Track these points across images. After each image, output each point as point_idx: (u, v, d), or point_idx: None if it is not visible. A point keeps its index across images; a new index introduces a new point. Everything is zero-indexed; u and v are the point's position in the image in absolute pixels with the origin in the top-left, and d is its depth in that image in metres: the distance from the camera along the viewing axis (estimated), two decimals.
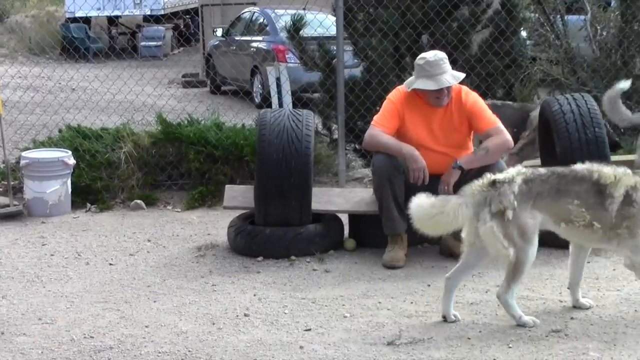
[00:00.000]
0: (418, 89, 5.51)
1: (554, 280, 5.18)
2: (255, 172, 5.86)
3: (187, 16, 25.39)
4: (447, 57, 5.56)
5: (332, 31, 7.93)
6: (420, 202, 4.48)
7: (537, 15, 9.52)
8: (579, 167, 4.47)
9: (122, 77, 8.75)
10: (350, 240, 5.93)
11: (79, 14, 19.75)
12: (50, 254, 5.95)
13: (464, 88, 5.67)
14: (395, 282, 5.22)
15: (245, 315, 4.69)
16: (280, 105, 8.49)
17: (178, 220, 6.84)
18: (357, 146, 8.30)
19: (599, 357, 4.06)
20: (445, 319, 4.54)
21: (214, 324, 4.58)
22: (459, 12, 8.03)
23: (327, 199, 6.10)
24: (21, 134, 8.41)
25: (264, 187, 5.68)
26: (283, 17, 11.85)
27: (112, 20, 24.52)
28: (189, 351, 4.21)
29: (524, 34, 9.00)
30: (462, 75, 5.63)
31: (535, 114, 6.96)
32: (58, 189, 6.97)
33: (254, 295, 5.02)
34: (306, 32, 8.69)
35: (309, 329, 4.48)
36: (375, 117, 5.65)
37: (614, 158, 6.32)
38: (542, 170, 4.51)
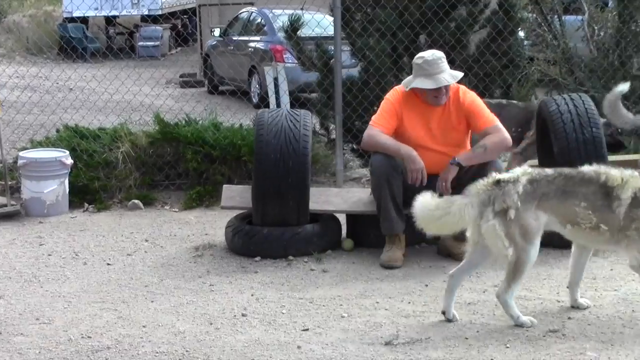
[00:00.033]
0: (416, 88, 5.51)
1: (551, 280, 5.18)
2: (253, 172, 5.86)
3: (185, 16, 25.40)
4: (445, 56, 5.57)
5: (330, 31, 7.94)
6: (425, 204, 4.47)
7: (534, 15, 9.53)
8: (586, 168, 4.45)
9: (119, 77, 8.74)
10: (347, 240, 5.93)
11: (76, 14, 19.75)
12: (48, 253, 5.95)
13: (462, 87, 5.68)
14: (393, 282, 5.22)
15: (243, 315, 4.69)
16: (278, 105, 8.49)
17: (175, 220, 6.83)
18: (354, 146, 8.30)
19: (597, 357, 4.06)
20: (444, 314, 4.54)
21: (211, 324, 4.58)
22: (456, 12, 8.04)
23: (325, 199, 6.10)
24: (19, 133, 8.41)
25: (262, 187, 5.68)
26: (281, 17, 11.85)
27: (109, 20, 24.50)
28: (187, 351, 4.21)
29: (521, 34, 9.01)
30: (460, 75, 5.64)
31: None
32: (55, 188, 6.97)
33: (252, 295, 5.02)
34: (304, 32, 8.69)
35: (307, 329, 4.48)
36: (373, 117, 5.65)
37: (612, 158, 6.33)
38: (549, 171, 4.49)
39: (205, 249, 5.97)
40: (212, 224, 6.64)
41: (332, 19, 7.82)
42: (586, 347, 4.17)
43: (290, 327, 4.51)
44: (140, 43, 21.72)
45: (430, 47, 7.41)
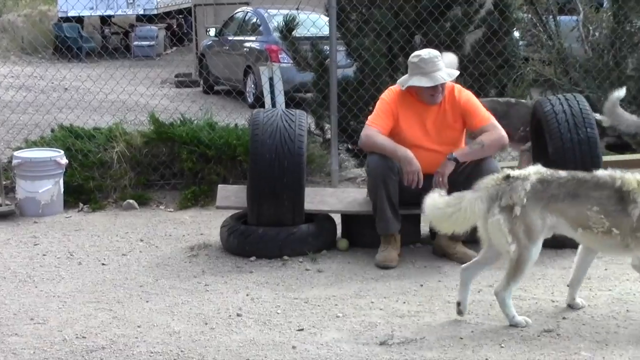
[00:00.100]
0: (413, 87, 5.51)
1: (546, 280, 5.19)
2: (248, 172, 5.86)
3: (180, 16, 25.34)
4: (440, 55, 5.58)
5: (325, 31, 7.94)
6: (434, 203, 4.47)
7: (529, 15, 9.54)
8: (600, 173, 4.43)
9: (114, 77, 8.73)
10: (343, 240, 5.94)
11: (71, 14, 19.71)
12: (43, 253, 5.94)
13: (457, 86, 5.69)
14: (388, 282, 5.22)
15: (238, 315, 4.69)
16: (273, 105, 8.49)
17: (171, 220, 6.83)
18: (350, 146, 8.30)
19: (591, 357, 4.07)
20: (458, 305, 4.54)
21: (206, 323, 4.57)
22: (451, 12, 8.05)
23: (320, 199, 6.10)
24: (13, 133, 8.39)
25: (257, 187, 5.68)
26: (276, 17, 11.86)
27: (105, 20, 24.49)
28: (182, 351, 4.21)
29: (516, 34, 9.02)
30: (457, 73, 5.65)
31: None
32: (50, 188, 6.96)
33: (247, 295, 5.02)
34: (299, 32, 8.69)
35: (302, 329, 4.48)
36: (369, 117, 5.65)
37: (607, 158, 6.34)
38: (563, 173, 4.46)
39: (201, 248, 5.97)
40: (207, 224, 6.64)
41: (327, 19, 7.82)
42: (580, 346, 4.18)
43: (285, 327, 4.51)
44: (136, 43, 21.71)
45: (425, 47, 7.40)
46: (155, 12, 22.65)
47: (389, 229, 5.56)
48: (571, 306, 4.67)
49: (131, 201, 7.19)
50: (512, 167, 4.56)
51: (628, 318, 4.54)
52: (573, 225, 4.39)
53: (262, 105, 8.49)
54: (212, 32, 15.94)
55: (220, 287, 5.18)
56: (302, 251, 5.69)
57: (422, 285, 5.16)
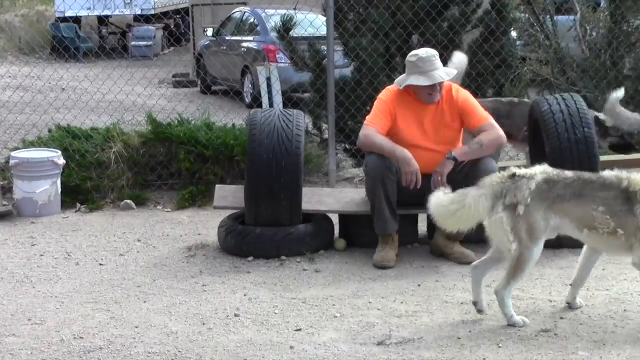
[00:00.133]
0: (410, 86, 5.51)
1: (543, 280, 5.19)
2: (246, 172, 5.85)
3: (178, 16, 25.38)
4: (438, 54, 5.58)
5: (323, 31, 7.94)
6: (439, 200, 4.47)
7: (526, 15, 9.54)
8: (607, 173, 4.42)
9: (112, 77, 8.72)
10: (340, 240, 5.93)
11: (68, 14, 19.71)
12: (40, 254, 5.93)
13: (454, 85, 5.69)
14: (386, 282, 5.23)
15: (236, 315, 4.69)
16: (271, 105, 8.49)
17: (168, 220, 6.83)
18: (347, 146, 8.30)
19: (588, 357, 4.08)
20: (475, 304, 4.55)
21: (204, 324, 4.57)
22: (449, 12, 8.05)
23: (318, 199, 6.10)
24: (10, 133, 8.38)
25: (255, 187, 5.68)
26: (273, 17, 11.85)
27: (102, 20, 24.47)
28: (179, 351, 4.20)
29: (513, 34, 9.02)
30: (454, 72, 5.65)
31: None
32: (47, 188, 6.95)
33: (244, 295, 5.02)
34: (296, 32, 8.69)
35: (299, 329, 4.48)
36: (367, 117, 5.65)
37: (604, 158, 6.35)
38: (569, 173, 4.46)
39: (198, 249, 5.97)
40: (204, 224, 6.63)
41: (324, 18, 7.82)
42: (578, 346, 4.19)
43: (283, 327, 4.51)
44: (133, 43, 21.70)
45: (422, 47, 7.40)
46: (152, 12, 22.63)
47: (387, 229, 5.57)
48: (570, 305, 4.67)
49: (129, 201, 7.18)
50: (518, 166, 4.55)
51: (625, 317, 4.55)
52: (579, 226, 4.39)
53: (260, 105, 8.48)
54: (210, 32, 15.94)
55: (218, 287, 5.18)
56: (299, 251, 5.69)
57: (419, 285, 5.16)
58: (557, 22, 9.39)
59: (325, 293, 5.04)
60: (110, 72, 9.07)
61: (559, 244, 5.29)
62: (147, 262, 5.72)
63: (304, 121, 6.06)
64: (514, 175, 4.42)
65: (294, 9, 9.87)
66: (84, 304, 4.91)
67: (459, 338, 4.31)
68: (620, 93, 6.44)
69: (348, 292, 5.04)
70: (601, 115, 6.67)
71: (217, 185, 6.39)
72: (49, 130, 7.97)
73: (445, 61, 6.00)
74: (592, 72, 8.63)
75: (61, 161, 7.07)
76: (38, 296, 5.06)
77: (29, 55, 17.67)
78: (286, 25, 8.47)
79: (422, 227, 6.08)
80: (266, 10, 13.32)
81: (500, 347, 4.19)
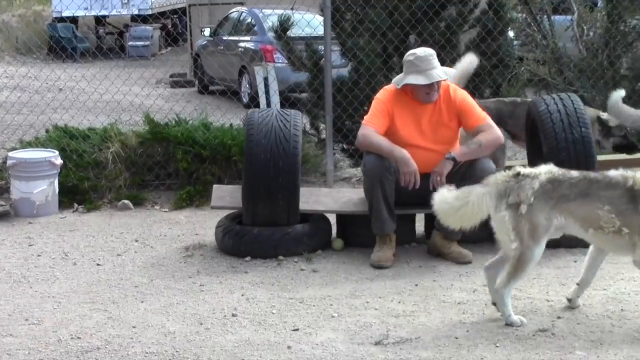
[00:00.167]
0: (408, 85, 5.51)
1: (540, 279, 5.20)
2: (243, 172, 5.85)
3: (175, 16, 25.38)
4: (435, 54, 5.58)
5: (320, 31, 7.94)
6: (443, 197, 4.48)
7: (524, 15, 9.55)
8: (612, 173, 4.43)
9: (109, 77, 8.72)
10: (338, 240, 5.94)
11: (66, 14, 19.72)
12: (37, 254, 5.93)
13: (451, 85, 5.70)
14: (383, 282, 5.23)
15: (233, 315, 4.69)
16: (268, 105, 8.49)
17: (166, 220, 6.82)
18: (345, 146, 8.30)
19: (586, 356, 4.08)
20: (495, 305, 4.54)
21: (201, 324, 4.57)
22: (446, 12, 8.05)
23: (315, 199, 6.10)
24: (8, 134, 8.38)
25: (252, 187, 5.68)
26: (271, 17, 11.85)
27: (99, 20, 24.42)
28: (177, 351, 4.20)
29: (511, 34, 9.03)
30: (452, 71, 5.66)
31: None
32: (45, 189, 6.95)
33: (242, 295, 5.02)
34: (294, 32, 8.68)
35: (297, 329, 4.48)
36: (366, 117, 5.65)
37: (600, 158, 6.35)
38: (575, 173, 4.46)
39: (196, 249, 5.96)
40: (202, 224, 6.63)
41: (322, 18, 7.82)
42: (575, 346, 4.19)
43: (281, 327, 4.51)
44: (130, 43, 21.70)
45: (420, 47, 7.42)
46: (149, 12, 22.64)
47: (384, 229, 5.57)
48: (570, 302, 4.66)
49: (126, 201, 7.18)
50: (524, 166, 4.55)
51: (622, 317, 4.55)
52: (584, 225, 4.39)
53: (257, 105, 8.48)
54: (207, 32, 15.94)
55: (216, 287, 5.18)
56: (297, 251, 5.69)
57: (417, 285, 5.16)
58: (554, 22, 9.40)
59: (322, 293, 5.04)
60: (108, 72, 9.07)
61: (557, 244, 5.29)
62: (144, 262, 5.72)
63: (301, 121, 6.06)
64: (518, 174, 4.42)
65: (292, 9, 9.86)
66: (82, 304, 4.90)
67: (456, 338, 4.32)
68: (621, 92, 6.44)
69: (345, 292, 5.04)
70: (604, 115, 6.66)
71: (214, 186, 6.38)
72: (47, 131, 7.97)
73: (443, 61, 6.00)
74: (590, 72, 8.64)
75: (59, 161, 7.06)
76: (35, 296, 5.05)
77: (26, 56, 17.67)
78: (283, 25, 8.47)
79: (419, 227, 6.08)
80: (263, 10, 13.31)
81: (497, 346, 4.20)
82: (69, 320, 4.63)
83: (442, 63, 5.81)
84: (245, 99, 12.81)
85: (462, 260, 5.55)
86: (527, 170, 4.45)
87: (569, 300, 4.68)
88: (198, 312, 4.74)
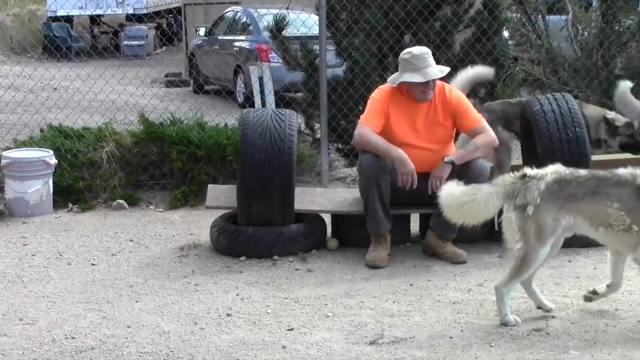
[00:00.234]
0: (404, 84, 5.52)
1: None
2: (238, 172, 5.85)
3: (170, 15, 25.34)
4: (431, 52, 5.59)
5: (315, 31, 7.94)
6: (451, 190, 4.49)
7: (518, 15, 9.56)
8: (621, 171, 4.43)
9: (104, 77, 8.71)
10: (332, 240, 5.94)
11: (60, 13, 19.68)
12: (32, 254, 5.92)
13: (447, 85, 5.71)
14: (378, 282, 5.23)
15: (228, 315, 4.69)
16: (263, 104, 8.48)
17: (160, 220, 6.82)
18: (340, 146, 8.30)
19: (580, 356, 4.09)
20: (541, 309, 4.56)
21: (196, 323, 4.57)
22: (441, 11, 8.06)
23: (310, 198, 6.10)
24: (2, 133, 8.36)
25: (247, 187, 5.68)
26: (266, 17, 11.85)
27: (94, 19, 24.44)
28: (171, 351, 4.20)
29: (506, 34, 9.04)
30: (448, 69, 5.65)
31: None
32: (39, 188, 6.94)
33: (237, 295, 5.02)
34: (289, 31, 8.69)
35: (292, 329, 4.48)
36: (362, 116, 5.65)
37: (595, 158, 6.36)
38: (582, 172, 4.47)
39: (190, 248, 5.96)
40: (197, 224, 6.63)
41: (317, 18, 7.82)
42: (569, 345, 4.20)
43: (275, 327, 4.51)
44: (125, 42, 21.68)
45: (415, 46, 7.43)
46: (144, 11, 22.60)
47: (380, 229, 5.57)
48: (595, 295, 4.63)
49: (121, 201, 7.17)
50: (531, 167, 4.55)
51: (617, 317, 4.56)
52: (594, 224, 4.39)
53: (252, 105, 8.48)
54: (202, 31, 15.93)
55: (210, 287, 5.18)
56: (292, 251, 5.69)
57: (412, 285, 5.17)
58: (549, 22, 9.41)
59: (317, 293, 5.04)
60: (103, 71, 9.05)
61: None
62: (139, 262, 5.72)
63: (296, 121, 6.06)
64: (524, 175, 4.43)
65: (287, 8, 9.86)
66: (76, 304, 4.90)
67: (451, 337, 4.32)
68: (629, 83, 6.43)
69: (340, 292, 5.05)
70: (610, 114, 6.65)
71: (209, 185, 6.38)
72: (41, 130, 7.95)
73: (438, 61, 6.01)
74: (584, 72, 8.65)
75: (53, 161, 7.05)
76: (30, 296, 5.04)
77: (20, 55, 17.64)
78: (279, 25, 8.47)
79: (414, 226, 6.09)
80: (258, 10, 13.32)
81: (492, 346, 4.20)
82: (63, 320, 4.63)
83: (438, 63, 5.82)
84: (240, 99, 12.80)
85: (456, 260, 5.55)
86: (534, 171, 4.46)
87: (595, 293, 4.65)
88: (193, 312, 4.74)
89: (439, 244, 5.64)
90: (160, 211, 7.11)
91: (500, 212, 4.51)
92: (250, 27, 14.21)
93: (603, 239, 4.51)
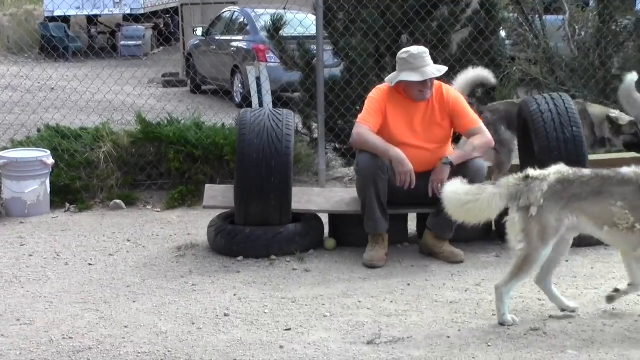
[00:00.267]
0: (402, 83, 5.52)
1: (532, 279, 5.19)
2: (236, 172, 5.85)
3: (167, 15, 25.34)
4: (429, 52, 5.60)
5: (312, 31, 7.94)
6: (455, 188, 4.49)
7: (515, 15, 9.56)
8: (625, 170, 4.43)
9: (101, 77, 8.70)
10: (330, 240, 5.94)
11: (57, 13, 19.67)
12: (29, 254, 5.91)
13: (444, 85, 5.71)
14: (376, 281, 5.23)
15: (225, 315, 4.69)
16: (261, 104, 8.48)
17: (158, 220, 6.82)
18: (337, 145, 8.31)
19: (577, 355, 4.09)
20: (564, 311, 4.56)
21: (193, 323, 4.57)
22: (438, 11, 8.06)
23: (307, 198, 6.10)
24: None
25: (244, 187, 5.68)
26: (263, 17, 11.85)
27: (91, 20, 24.36)
28: (169, 351, 4.20)
29: (503, 33, 9.04)
30: (445, 69, 5.66)
31: None
32: (37, 189, 6.93)
33: (234, 295, 5.02)
34: (286, 31, 8.68)
35: (289, 329, 4.48)
36: (360, 115, 5.65)
37: (592, 157, 6.36)
38: (586, 171, 4.48)
39: (188, 248, 5.96)
40: (194, 224, 6.63)
41: (314, 18, 7.82)
42: (567, 345, 4.20)
43: (273, 327, 4.51)
44: (123, 42, 21.66)
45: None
46: (142, 11, 22.60)
47: (377, 229, 5.57)
48: (617, 292, 4.61)
49: (118, 201, 7.17)
50: (534, 167, 4.56)
51: (614, 316, 4.57)
52: (598, 223, 4.39)
53: (250, 105, 8.48)
54: (199, 31, 15.92)
55: (208, 287, 5.18)
56: (289, 251, 5.69)
57: (409, 285, 5.17)
58: (546, 22, 9.41)
59: (315, 292, 5.04)
60: (100, 71, 9.05)
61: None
62: (136, 262, 5.71)
63: (293, 121, 6.06)
64: (527, 177, 4.43)
65: (284, 8, 9.86)
66: (73, 304, 4.89)
67: (448, 337, 4.32)
68: (634, 76, 6.41)
69: (338, 292, 5.05)
70: (614, 113, 6.65)
71: (206, 185, 6.38)
72: (38, 130, 7.95)
73: (435, 61, 6.01)
74: (581, 72, 8.66)
75: (50, 161, 7.05)
76: (27, 296, 5.04)
77: (17, 55, 17.63)
78: (276, 25, 8.47)
79: (411, 226, 6.09)
80: (256, 10, 13.31)
81: (489, 346, 4.20)
82: (60, 321, 4.62)
83: (435, 63, 5.82)
84: (237, 99, 12.80)
85: (454, 259, 5.56)
86: (536, 172, 4.46)
87: (618, 290, 4.64)
88: (190, 312, 4.73)
89: (437, 244, 5.64)
90: (157, 211, 7.11)
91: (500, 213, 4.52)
92: (248, 27, 14.21)
93: (607, 239, 4.52)
